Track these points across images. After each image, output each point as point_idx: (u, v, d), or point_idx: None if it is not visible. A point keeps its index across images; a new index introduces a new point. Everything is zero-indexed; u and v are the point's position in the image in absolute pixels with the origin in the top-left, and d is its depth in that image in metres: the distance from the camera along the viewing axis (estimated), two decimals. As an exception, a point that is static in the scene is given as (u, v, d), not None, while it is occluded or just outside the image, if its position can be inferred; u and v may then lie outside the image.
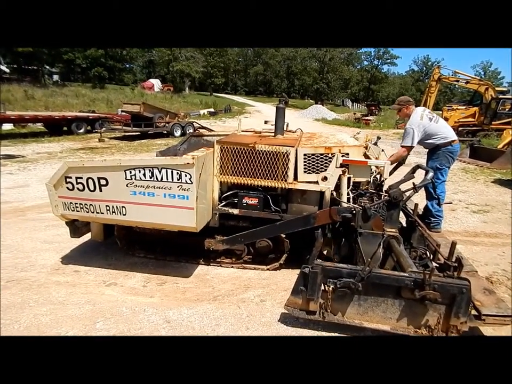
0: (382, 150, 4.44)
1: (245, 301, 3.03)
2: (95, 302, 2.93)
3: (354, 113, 29.51)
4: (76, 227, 3.51)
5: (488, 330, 2.69)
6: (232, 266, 3.58)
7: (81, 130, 13.68)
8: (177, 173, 2.83)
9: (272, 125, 4.13)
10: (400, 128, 18.22)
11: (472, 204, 6.33)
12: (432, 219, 4.02)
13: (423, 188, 3.63)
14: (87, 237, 3.78)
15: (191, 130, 13.67)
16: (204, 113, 23.67)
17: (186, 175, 2.81)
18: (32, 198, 5.74)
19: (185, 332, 2.59)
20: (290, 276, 3.38)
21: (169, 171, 2.84)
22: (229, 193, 3.43)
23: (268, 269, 3.51)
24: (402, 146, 4.07)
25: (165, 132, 14.26)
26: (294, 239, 3.38)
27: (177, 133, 14.15)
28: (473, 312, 2.47)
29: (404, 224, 3.66)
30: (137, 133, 13.80)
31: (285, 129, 4.20)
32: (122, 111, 14.92)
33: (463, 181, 8.28)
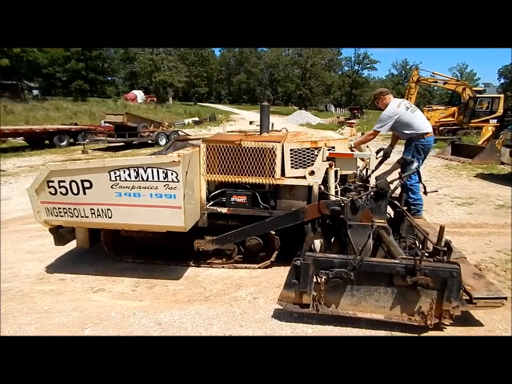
0: (367, 147, 4.50)
1: (238, 300, 2.98)
2: (83, 309, 2.84)
3: (338, 117, 29.88)
4: (60, 234, 3.40)
5: (479, 314, 2.71)
6: (223, 267, 3.53)
7: (64, 143, 13.42)
8: (163, 171, 2.78)
9: (257, 125, 4.14)
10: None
11: (456, 197, 6.44)
12: (412, 207, 4.16)
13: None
14: (72, 245, 3.67)
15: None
16: (188, 123, 23.60)
17: (172, 173, 2.77)
18: (14, 211, 5.58)
19: (177, 333, 2.53)
20: (282, 273, 3.35)
21: (154, 170, 2.79)
22: (216, 192, 3.39)
23: (259, 267, 3.47)
24: (373, 130, 4.17)
25: (150, 141, 14.12)
26: (284, 236, 3.36)
27: (162, 142, 14.02)
28: (465, 297, 2.50)
29: (392, 216, 3.69)
30: (121, 144, 13.64)
31: (270, 129, 4.21)
32: (105, 122, 14.73)
33: (446, 176, 8.44)
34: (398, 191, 3.93)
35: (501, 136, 9.72)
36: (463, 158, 10.47)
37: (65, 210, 3.06)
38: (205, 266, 3.55)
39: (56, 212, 3.09)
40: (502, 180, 7.80)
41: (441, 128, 16.50)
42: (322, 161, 3.16)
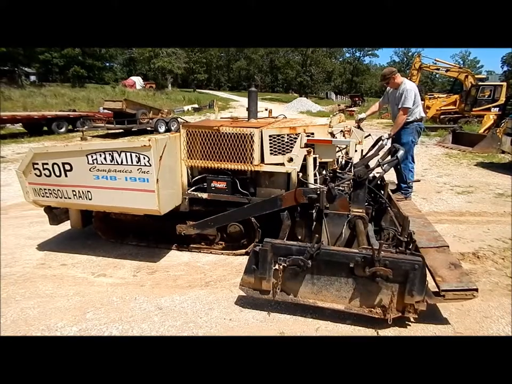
0: (369, 135, 4.35)
1: (237, 285, 2.89)
2: (84, 293, 2.87)
3: (339, 105, 29.64)
4: (55, 215, 3.51)
5: (476, 300, 2.60)
6: (222, 253, 3.54)
7: (62, 130, 13.39)
8: (136, 155, 2.85)
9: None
10: (384, 118, 18.31)
11: (456, 185, 6.40)
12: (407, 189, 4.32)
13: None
14: (73, 231, 3.76)
15: (176, 126, 13.56)
16: (188, 109, 23.50)
17: (144, 158, 2.83)
18: (14, 197, 5.52)
19: (177, 318, 2.56)
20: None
21: (128, 154, 2.86)
22: (198, 177, 3.40)
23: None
24: (403, 108, 4.04)
25: (149, 128, 14.03)
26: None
27: (162, 129, 13.94)
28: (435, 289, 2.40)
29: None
30: (120, 130, 13.62)
31: (267, 115, 4.17)
32: (104, 109, 14.65)
33: (446, 165, 8.37)
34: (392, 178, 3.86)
35: (502, 124, 9.55)
36: (463, 146, 10.35)
37: (50, 191, 3.18)
38: (205, 253, 3.57)
39: (43, 193, 3.21)
40: (502, 168, 7.74)
41: (442, 116, 16.33)
42: (301, 147, 3.12)
